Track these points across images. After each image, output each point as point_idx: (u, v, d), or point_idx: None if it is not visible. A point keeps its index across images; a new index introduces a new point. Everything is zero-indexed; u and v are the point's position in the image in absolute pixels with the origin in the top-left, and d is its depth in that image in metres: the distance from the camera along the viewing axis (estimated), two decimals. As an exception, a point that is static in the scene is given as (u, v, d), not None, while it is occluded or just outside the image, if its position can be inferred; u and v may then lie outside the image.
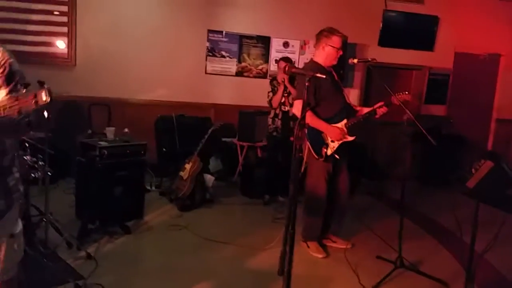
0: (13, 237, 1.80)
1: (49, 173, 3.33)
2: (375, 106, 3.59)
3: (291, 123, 5.06)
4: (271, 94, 5.09)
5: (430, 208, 5.31)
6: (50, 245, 3.25)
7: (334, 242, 3.88)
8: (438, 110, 7.20)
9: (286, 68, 2.51)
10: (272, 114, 5.13)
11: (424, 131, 3.21)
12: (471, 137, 6.96)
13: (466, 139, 6.80)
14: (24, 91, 1.48)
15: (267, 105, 5.14)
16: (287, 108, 5.03)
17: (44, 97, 1.38)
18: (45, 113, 3.09)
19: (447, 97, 7.22)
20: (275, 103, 5.02)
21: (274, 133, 5.11)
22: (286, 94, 4.99)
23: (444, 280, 3.23)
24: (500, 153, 7.11)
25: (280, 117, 5.06)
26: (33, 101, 1.39)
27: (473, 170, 2.58)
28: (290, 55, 6.43)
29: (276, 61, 5.19)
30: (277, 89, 5.02)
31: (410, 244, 3.69)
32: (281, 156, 5.07)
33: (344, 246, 3.82)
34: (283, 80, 4.89)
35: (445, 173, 6.36)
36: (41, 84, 2.05)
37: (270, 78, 5.39)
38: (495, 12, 7.11)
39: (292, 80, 4.98)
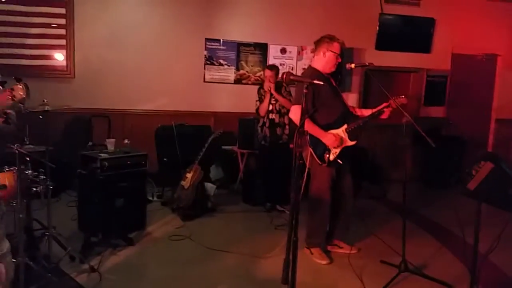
0: None
1: (50, 186, 3.33)
2: (379, 107, 3.60)
3: (278, 129, 5.08)
4: (258, 102, 5.12)
5: (433, 210, 5.30)
6: (54, 259, 3.24)
7: (341, 248, 3.87)
8: (437, 112, 7.21)
9: (285, 76, 2.52)
10: (260, 123, 5.16)
11: (423, 133, 3.22)
12: (471, 137, 6.96)
13: (466, 140, 6.80)
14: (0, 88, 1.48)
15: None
16: (273, 116, 5.06)
17: (20, 92, 1.37)
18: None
19: (446, 99, 7.23)
20: (262, 112, 5.06)
21: (263, 142, 5.13)
22: (274, 102, 5.02)
23: (449, 283, 3.22)
24: (501, 153, 7.11)
25: (267, 125, 5.08)
26: (10, 97, 1.38)
27: (473, 172, 2.58)
28: (287, 61, 6.49)
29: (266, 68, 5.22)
30: (264, 98, 5.04)
31: (413, 247, 3.69)
32: (272, 164, 5.06)
33: (351, 251, 3.81)
34: (269, 88, 4.92)
35: (446, 174, 6.35)
36: (18, 80, 2.03)
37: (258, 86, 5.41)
38: (490, 12, 7.15)
39: (278, 88, 5.01)
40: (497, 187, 2.58)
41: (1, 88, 1.42)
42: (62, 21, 5.65)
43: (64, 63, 5.73)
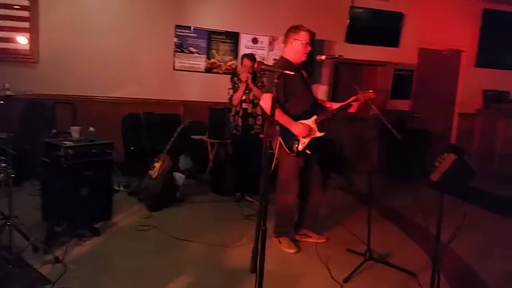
0: None
1: (12, 175, 3.21)
2: (348, 101, 3.65)
3: (250, 119, 5.09)
4: (231, 91, 5.09)
5: (397, 201, 5.45)
6: (16, 250, 3.12)
7: (309, 237, 3.93)
8: (403, 105, 7.38)
9: (256, 65, 2.52)
10: (233, 112, 5.14)
11: (389, 126, 3.29)
12: (435, 130, 7.19)
13: (430, 133, 7.01)
14: None
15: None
16: (246, 105, 5.05)
17: None
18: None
19: (412, 92, 7.41)
20: (235, 101, 5.03)
21: (234, 131, 5.12)
22: (247, 91, 5.01)
23: (412, 271, 3.33)
24: (463, 145, 7.37)
25: (240, 114, 5.07)
26: None
27: (436, 163, 2.65)
28: (259, 51, 6.47)
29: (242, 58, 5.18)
30: (238, 86, 5.02)
31: (378, 236, 3.79)
32: (249, 152, 5.07)
33: (320, 240, 3.88)
34: (246, 79, 4.90)
35: (410, 166, 6.53)
36: None
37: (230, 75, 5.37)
38: (457, 9, 7.36)
39: (255, 79, 5.00)
40: (459, 178, 2.66)
41: None
42: (26, 2, 5.41)
43: (28, 47, 5.50)
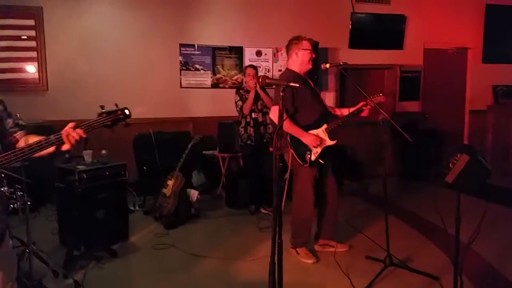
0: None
1: (28, 202, 3.25)
2: (357, 106, 3.65)
3: (262, 128, 5.09)
4: (240, 102, 5.10)
5: (414, 204, 5.39)
6: (36, 276, 3.15)
7: (332, 246, 3.87)
8: (412, 106, 7.34)
9: (261, 80, 2.53)
10: (243, 123, 5.14)
11: (399, 129, 3.28)
12: (447, 130, 7.12)
13: (442, 133, 6.95)
14: None
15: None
16: (256, 115, 5.06)
17: None
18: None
19: (420, 93, 7.36)
20: (246, 110, 5.03)
21: (249, 142, 5.12)
22: (255, 102, 5.02)
23: (434, 275, 3.27)
24: (476, 143, 7.29)
25: (252, 124, 5.08)
26: None
27: (450, 165, 2.62)
28: (263, 63, 6.51)
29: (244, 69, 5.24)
30: (245, 97, 5.04)
31: (397, 241, 3.74)
32: (262, 164, 5.07)
33: (342, 249, 3.85)
34: (255, 85, 4.90)
35: (424, 167, 6.47)
36: None
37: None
38: (459, 7, 7.33)
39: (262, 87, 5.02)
40: (474, 178, 2.63)
41: None
42: (32, 33, 5.53)
43: (36, 75, 5.60)
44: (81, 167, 3.83)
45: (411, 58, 7.19)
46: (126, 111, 2.11)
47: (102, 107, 2.08)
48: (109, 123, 2.03)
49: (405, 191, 6.12)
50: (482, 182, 2.71)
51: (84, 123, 1.87)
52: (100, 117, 2.04)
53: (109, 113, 2.09)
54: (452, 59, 7.50)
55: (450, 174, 2.59)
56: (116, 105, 2.21)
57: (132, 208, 5.07)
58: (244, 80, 5.57)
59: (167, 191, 4.69)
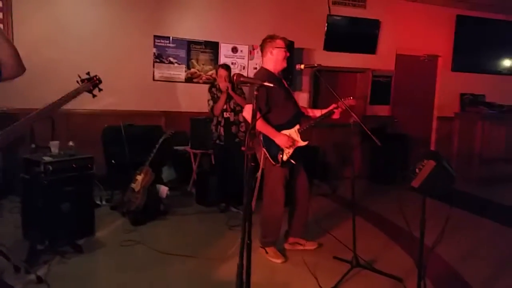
0: None
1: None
2: (329, 109, 3.71)
3: (233, 127, 5.08)
4: (211, 102, 5.07)
5: (381, 206, 5.49)
6: (-6, 271, 3.05)
7: (301, 244, 3.93)
8: (382, 110, 7.49)
9: (235, 77, 2.52)
10: (215, 122, 5.12)
11: (369, 132, 3.35)
12: (415, 135, 7.31)
13: (410, 137, 7.12)
14: None
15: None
16: (227, 114, 5.05)
17: None
18: None
19: (391, 98, 7.52)
20: (217, 111, 5.00)
21: (217, 141, 5.10)
22: (227, 100, 5.00)
23: (398, 276, 3.35)
24: (442, 149, 7.51)
25: (222, 124, 5.06)
26: None
27: (416, 170, 2.69)
28: (239, 60, 6.49)
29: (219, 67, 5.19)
30: (217, 97, 5.01)
31: (364, 242, 3.82)
32: (233, 163, 5.05)
33: (311, 247, 3.92)
34: (226, 88, 4.89)
35: (392, 171, 6.62)
36: None
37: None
38: (431, 16, 7.53)
39: (233, 87, 5.01)
40: (439, 183, 2.70)
41: None
42: (-1, 15, 5.32)
43: (2, 61, 5.37)
44: (47, 158, 3.71)
45: (383, 63, 7.33)
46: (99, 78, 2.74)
47: (79, 76, 2.69)
48: (91, 87, 2.54)
49: (373, 193, 6.24)
50: (447, 188, 2.79)
51: (72, 90, 2.12)
52: (83, 83, 2.54)
53: (89, 79, 2.79)
54: (423, 65, 7.70)
55: (417, 179, 2.65)
56: (88, 73, 2.91)
57: (99, 202, 4.95)
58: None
59: (136, 186, 4.61)
